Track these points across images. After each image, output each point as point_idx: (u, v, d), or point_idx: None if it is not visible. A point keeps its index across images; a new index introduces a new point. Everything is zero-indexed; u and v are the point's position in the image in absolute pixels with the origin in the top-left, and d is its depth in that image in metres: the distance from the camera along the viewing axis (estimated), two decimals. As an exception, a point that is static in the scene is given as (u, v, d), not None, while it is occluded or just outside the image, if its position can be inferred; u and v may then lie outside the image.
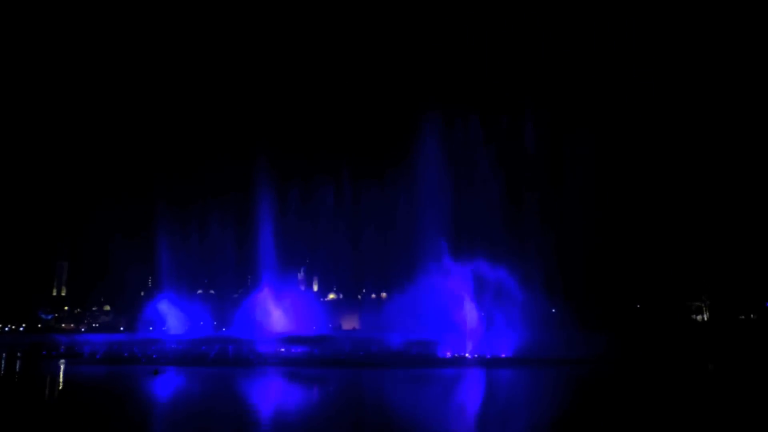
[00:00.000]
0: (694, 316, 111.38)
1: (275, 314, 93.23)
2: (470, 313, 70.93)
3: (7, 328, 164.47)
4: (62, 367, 63.33)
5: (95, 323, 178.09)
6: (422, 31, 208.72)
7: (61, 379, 50.69)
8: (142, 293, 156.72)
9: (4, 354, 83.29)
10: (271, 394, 41.93)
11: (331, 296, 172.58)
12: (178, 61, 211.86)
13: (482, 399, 38.21)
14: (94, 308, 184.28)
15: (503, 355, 65.78)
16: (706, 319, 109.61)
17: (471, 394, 40.89)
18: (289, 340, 77.47)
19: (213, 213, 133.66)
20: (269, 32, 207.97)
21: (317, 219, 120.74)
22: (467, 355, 67.22)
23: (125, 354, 78.99)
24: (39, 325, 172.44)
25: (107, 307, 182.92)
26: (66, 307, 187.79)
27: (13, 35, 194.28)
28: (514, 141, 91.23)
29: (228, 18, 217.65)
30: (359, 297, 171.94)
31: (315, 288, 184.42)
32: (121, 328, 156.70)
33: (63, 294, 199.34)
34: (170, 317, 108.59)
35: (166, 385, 45.09)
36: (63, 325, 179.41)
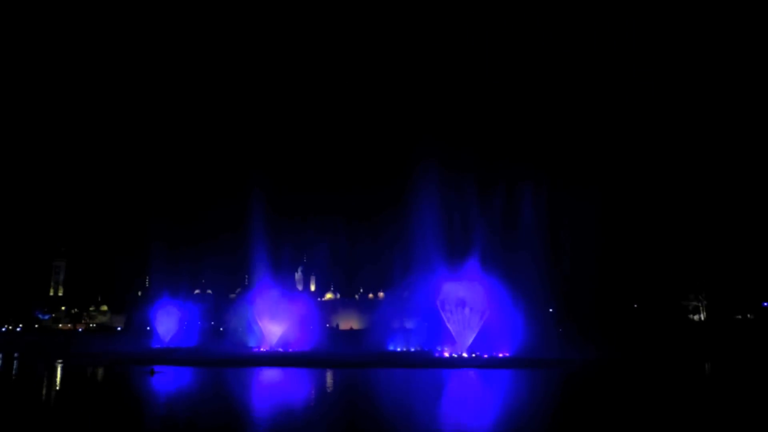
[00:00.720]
0: (691, 316, 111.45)
1: (271, 315, 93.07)
2: (468, 312, 70.95)
3: (4, 329, 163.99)
4: (59, 366, 63.28)
5: (93, 323, 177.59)
6: (419, 70, 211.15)
7: (58, 379, 50.66)
8: (140, 293, 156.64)
9: (0, 354, 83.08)
10: (270, 391, 41.97)
11: (329, 296, 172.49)
12: (181, 74, 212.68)
13: (469, 396, 38.31)
14: (91, 308, 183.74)
15: (500, 355, 65.86)
16: (703, 318, 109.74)
17: (459, 392, 40.97)
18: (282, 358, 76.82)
19: (210, 213, 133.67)
20: (266, 71, 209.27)
21: (315, 219, 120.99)
22: (465, 354, 67.31)
23: (122, 354, 79.04)
24: (36, 325, 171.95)
25: (104, 307, 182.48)
26: (63, 307, 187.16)
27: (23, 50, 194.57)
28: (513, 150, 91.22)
29: (227, 53, 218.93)
30: (356, 297, 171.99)
31: (312, 288, 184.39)
32: (119, 328, 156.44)
33: (60, 294, 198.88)
34: (167, 318, 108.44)
35: (164, 383, 45.05)
36: (60, 325, 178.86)
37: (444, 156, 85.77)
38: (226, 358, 70.68)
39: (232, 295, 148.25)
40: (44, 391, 41.00)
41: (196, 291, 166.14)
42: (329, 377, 50.92)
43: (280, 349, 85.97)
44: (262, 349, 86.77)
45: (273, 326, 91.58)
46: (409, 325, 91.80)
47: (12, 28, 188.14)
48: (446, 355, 68.68)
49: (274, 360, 69.02)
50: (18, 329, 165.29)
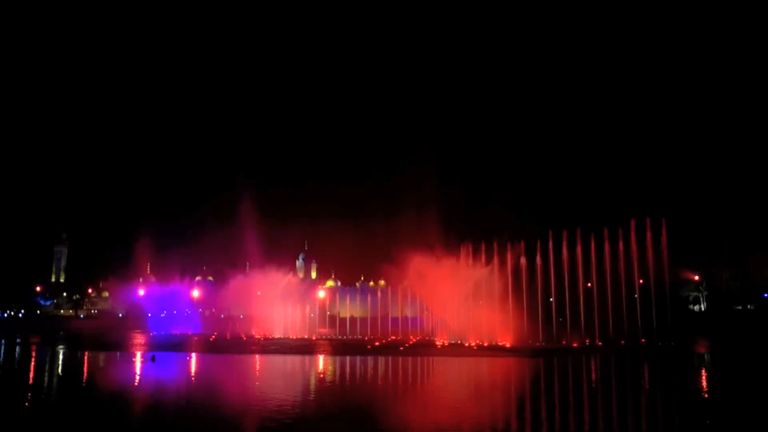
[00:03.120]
0: (691, 306, 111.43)
1: (271, 303, 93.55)
2: (469, 301, 71.12)
3: (5, 314, 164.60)
4: (62, 352, 63.62)
5: (94, 309, 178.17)
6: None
7: (61, 364, 50.91)
8: (141, 279, 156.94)
9: (3, 340, 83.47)
10: (270, 377, 42.10)
11: (330, 283, 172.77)
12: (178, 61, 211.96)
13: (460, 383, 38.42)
14: (92, 294, 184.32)
15: (500, 344, 66.05)
16: (703, 309, 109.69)
17: (452, 379, 41.12)
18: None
19: (211, 201, 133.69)
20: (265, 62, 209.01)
21: (316, 207, 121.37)
22: (466, 344, 67.52)
23: (124, 340, 79.52)
24: (38, 311, 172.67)
25: (106, 294, 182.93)
26: (65, 293, 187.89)
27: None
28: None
29: (222, 51, 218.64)
30: (357, 285, 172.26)
31: (313, 275, 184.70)
32: (120, 315, 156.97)
33: (62, 280, 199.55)
34: (168, 304, 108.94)
35: (164, 369, 45.24)
36: (62, 311, 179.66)
37: (443, 139, 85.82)
38: (226, 345, 71.06)
39: (233, 284, 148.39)
40: (46, 376, 41.25)
41: (198, 278, 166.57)
42: (329, 364, 51.09)
43: (281, 336, 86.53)
44: (261, 336, 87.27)
45: (274, 313, 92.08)
46: (410, 313, 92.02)
47: (13, 22, 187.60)
48: (446, 344, 68.93)
49: (274, 347, 69.32)
50: (20, 315, 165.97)
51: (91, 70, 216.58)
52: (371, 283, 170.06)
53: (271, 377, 43.68)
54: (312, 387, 36.47)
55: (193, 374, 44.88)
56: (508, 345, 64.71)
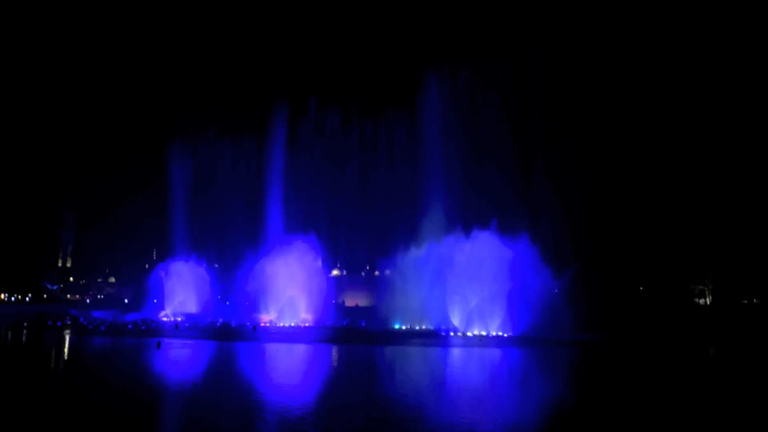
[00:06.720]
0: (696, 300, 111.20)
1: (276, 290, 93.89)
2: (474, 292, 71.08)
3: (13, 298, 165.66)
4: (67, 337, 64.02)
5: (100, 294, 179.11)
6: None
7: (66, 349, 51.24)
8: (147, 266, 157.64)
9: (11, 323, 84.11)
10: (275, 364, 42.28)
11: (335, 272, 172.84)
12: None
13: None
14: (99, 279, 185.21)
15: (506, 335, 66.10)
16: (708, 303, 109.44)
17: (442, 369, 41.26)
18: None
19: (216, 189, 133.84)
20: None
21: (320, 197, 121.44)
22: (469, 334, 67.58)
23: (128, 326, 79.99)
24: (44, 296, 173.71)
25: (112, 279, 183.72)
26: (71, 278, 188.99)
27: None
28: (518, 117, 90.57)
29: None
30: (363, 274, 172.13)
31: (319, 264, 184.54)
32: (126, 300, 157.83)
33: (68, 265, 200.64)
34: (174, 290, 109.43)
35: (171, 355, 45.44)
36: (68, 296, 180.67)
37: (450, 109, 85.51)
38: (232, 332, 71.37)
39: (239, 269, 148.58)
40: (52, 361, 41.52)
41: (204, 264, 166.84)
42: (335, 353, 51.25)
43: (285, 324, 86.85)
44: (265, 324, 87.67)
45: (278, 302, 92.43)
46: (415, 302, 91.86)
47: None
48: (451, 334, 68.99)
49: (281, 335, 69.58)
50: (27, 299, 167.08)
51: (90, 56, 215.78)
52: (376, 273, 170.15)
53: (279, 366, 43.87)
54: (319, 375, 36.60)
55: (199, 360, 45.14)
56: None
